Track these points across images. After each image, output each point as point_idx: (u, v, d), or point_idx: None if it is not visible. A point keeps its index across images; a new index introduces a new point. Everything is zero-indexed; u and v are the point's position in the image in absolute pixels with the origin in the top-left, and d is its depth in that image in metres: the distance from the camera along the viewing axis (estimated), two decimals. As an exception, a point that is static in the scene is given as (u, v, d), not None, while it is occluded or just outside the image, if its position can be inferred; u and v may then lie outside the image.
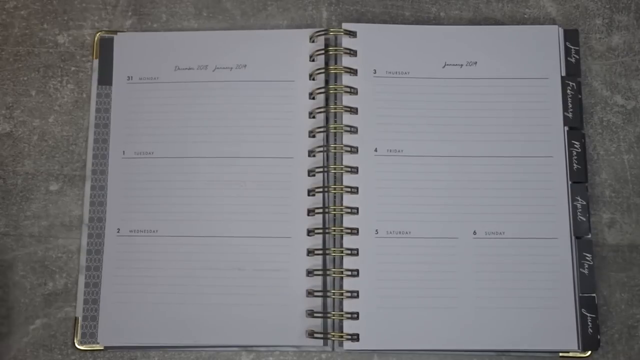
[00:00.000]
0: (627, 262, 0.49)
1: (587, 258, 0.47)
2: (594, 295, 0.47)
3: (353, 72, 0.50)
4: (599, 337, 0.46)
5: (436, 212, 0.48)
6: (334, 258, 0.47)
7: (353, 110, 0.49)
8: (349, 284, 0.47)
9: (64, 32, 0.52)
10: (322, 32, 0.51)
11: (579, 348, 0.46)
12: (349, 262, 0.47)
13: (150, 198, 0.49)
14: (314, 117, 0.50)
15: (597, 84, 0.51)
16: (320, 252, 0.47)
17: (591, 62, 0.52)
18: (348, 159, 0.49)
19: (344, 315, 0.46)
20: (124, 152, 0.49)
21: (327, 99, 0.50)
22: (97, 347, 0.47)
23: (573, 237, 0.47)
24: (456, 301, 0.47)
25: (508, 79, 0.50)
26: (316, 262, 0.47)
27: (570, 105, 0.49)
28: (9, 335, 0.47)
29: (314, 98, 0.50)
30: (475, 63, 0.50)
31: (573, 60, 0.50)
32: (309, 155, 0.49)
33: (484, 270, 0.47)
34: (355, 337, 0.46)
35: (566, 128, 0.49)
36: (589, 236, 0.48)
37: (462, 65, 0.50)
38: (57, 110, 0.51)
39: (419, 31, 0.51)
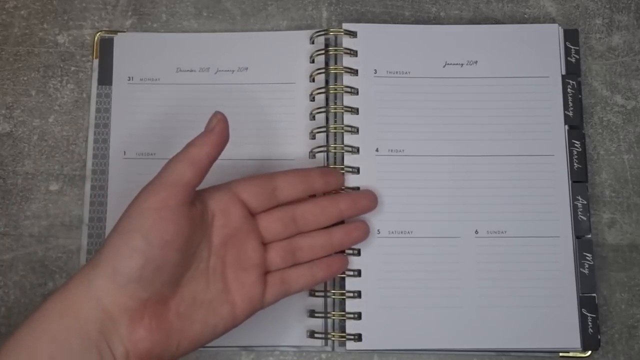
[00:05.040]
0: (627, 262, 0.49)
1: (588, 258, 0.47)
2: (594, 295, 0.47)
3: (353, 72, 0.50)
4: (599, 337, 0.46)
5: (438, 211, 0.48)
6: (335, 258, 0.47)
7: (354, 111, 0.49)
8: (351, 284, 0.47)
9: (64, 32, 0.52)
10: (322, 33, 0.50)
11: (580, 347, 0.46)
12: (351, 262, 0.47)
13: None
14: (314, 118, 0.49)
15: (597, 84, 0.51)
16: (322, 252, 0.47)
17: (591, 62, 0.52)
18: (349, 159, 0.48)
19: (347, 315, 0.46)
20: (125, 152, 0.49)
21: (327, 99, 0.50)
22: (98, 347, 0.47)
23: (574, 236, 0.48)
24: (458, 300, 0.46)
25: (509, 78, 0.50)
26: (317, 262, 0.47)
27: (570, 104, 0.49)
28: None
29: (313, 99, 0.50)
30: (476, 62, 0.50)
31: (573, 60, 0.50)
32: (310, 157, 0.49)
33: (486, 270, 0.47)
34: (357, 337, 0.46)
35: (567, 127, 0.49)
36: (589, 236, 0.48)
37: (462, 64, 0.50)
38: (57, 110, 0.51)
39: (419, 31, 0.51)
